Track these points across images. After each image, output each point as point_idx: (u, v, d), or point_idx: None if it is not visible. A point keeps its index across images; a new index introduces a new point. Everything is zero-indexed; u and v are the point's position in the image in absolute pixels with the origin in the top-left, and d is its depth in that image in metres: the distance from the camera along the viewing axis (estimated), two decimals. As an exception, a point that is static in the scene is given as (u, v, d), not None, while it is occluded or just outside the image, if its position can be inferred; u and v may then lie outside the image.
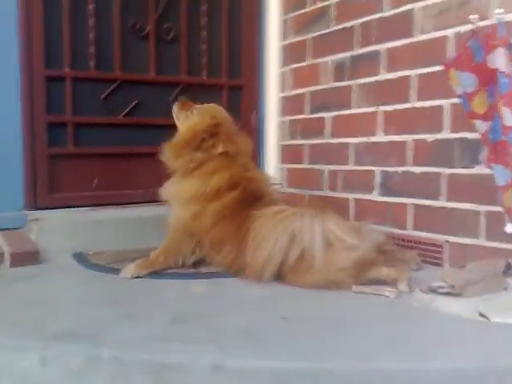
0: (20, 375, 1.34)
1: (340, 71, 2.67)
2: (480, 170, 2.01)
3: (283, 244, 1.82)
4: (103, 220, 2.57)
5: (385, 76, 2.42)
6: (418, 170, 2.26)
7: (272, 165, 3.10)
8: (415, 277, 1.87)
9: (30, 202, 2.53)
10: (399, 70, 2.35)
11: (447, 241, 2.13)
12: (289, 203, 2.02)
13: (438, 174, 2.17)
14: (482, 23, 1.80)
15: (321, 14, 2.77)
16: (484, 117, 1.75)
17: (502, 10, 1.70)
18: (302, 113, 2.93)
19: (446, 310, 1.58)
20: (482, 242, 2.01)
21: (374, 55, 2.46)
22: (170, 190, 2.20)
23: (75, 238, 2.46)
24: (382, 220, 2.38)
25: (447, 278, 1.65)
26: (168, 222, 2.18)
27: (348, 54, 2.61)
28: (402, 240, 2.29)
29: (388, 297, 1.74)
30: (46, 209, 2.54)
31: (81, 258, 2.33)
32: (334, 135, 2.72)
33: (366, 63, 2.51)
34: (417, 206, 2.27)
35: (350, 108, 2.60)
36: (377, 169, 2.45)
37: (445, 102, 2.14)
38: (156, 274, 2.07)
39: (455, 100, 1.99)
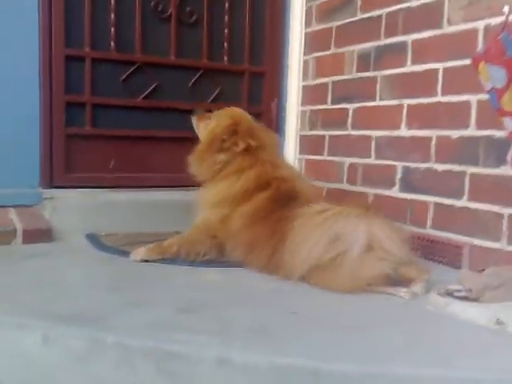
0: (21, 354, 1.34)
1: (364, 61, 2.60)
2: (505, 170, 1.94)
3: (323, 244, 1.73)
4: (118, 202, 2.58)
5: (410, 68, 2.35)
6: (441, 167, 2.20)
7: (291, 155, 3.05)
8: (432, 279, 1.80)
9: (45, 180, 2.54)
10: (426, 63, 2.27)
11: (467, 243, 2.07)
12: (329, 201, 1.94)
13: (462, 172, 2.10)
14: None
15: (346, 3, 2.70)
16: (513, 114, 1.68)
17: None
18: (323, 103, 2.87)
19: (462, 315, 1.52)
20: (503, 245, 1.93)
21: (400, 46, 2.39)
22: (199, 197, 2.18)
23: (89, 219, 2.48)
24: (402, 217, 2.32)
25: (465, 281, 1.59)
26: (194, 219, 2.15)
27: (373, 44, 2.54)
28: (421, 239, 2.23)
29: (403, 297, 1.69)
30: (62, 188, 2.55)
31: (93, 238, 2.33)
32: (355, 127, 2.66)
33: (392, 54, 2.44)
34: (438, 205, 2.20)
35: (373, 100, 2.54)
36: (398, 164, 2.39)
37: (472, 98, 2.07)
38: (168, 259, 2.04)
39: (483, 96, 1.92)
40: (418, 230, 2.26)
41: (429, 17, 2.26)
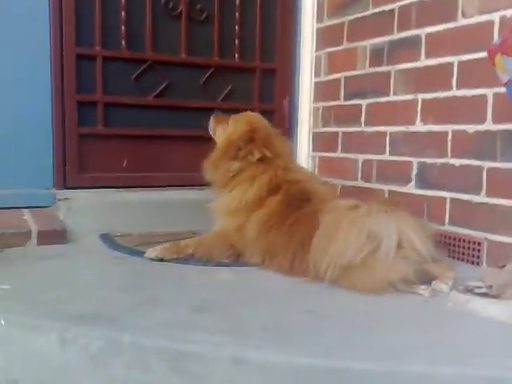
0: (37, 354, 1.34)
1: (377, 56, 2.57)
2: (524, 164, 1.90)
3: (360, 242, 1.68)
4: (132, 202, 2.57)
5: (425, 62, 2.32)
6: (458, 162, 2.16)
7: (304, 153, 3.03)
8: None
9: (59, 180, 2.54)
10: (440, 56, 2.24)
11: (486, 238, 2.03)
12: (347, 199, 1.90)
13: (479, 167, 2.07)
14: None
15: (358, -3, 2.67)
16: (532, 107, 1.65)
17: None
18: (336, 99, 2.84)
19: (483, 312, 1.49)
20: (523, 241, 1.90)
21: (414, 40, 2.36)
22: (215, 204, 2.16)
23: (103, 219, 2.48)
24: (419, 214, 2.28)
25: (485, 277, 1.56)
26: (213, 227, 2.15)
27: (386, 38, 2.51)
28: (439, 236, 2.19)
29: (422, 295, 1.66)
30: (75, 188, 2.56)
31: (108, 239, 2.33)
32: (369, 123, 2.63)
33: (405, 48, 2.41)
34: (455, 201, 2.17)
35: (387, 95, 2.51)
36: (414, 160, 2.36)
37: (488, 91, 2.03)
38: (182, 258, 2.03)
39: (500, 89, 1.88)
40: (436, 226, 2.22)
41: (442, 9, 2.22)
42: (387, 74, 2.51)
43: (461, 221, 2.15)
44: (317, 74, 3.00)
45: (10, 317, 1.40)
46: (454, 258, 2.13)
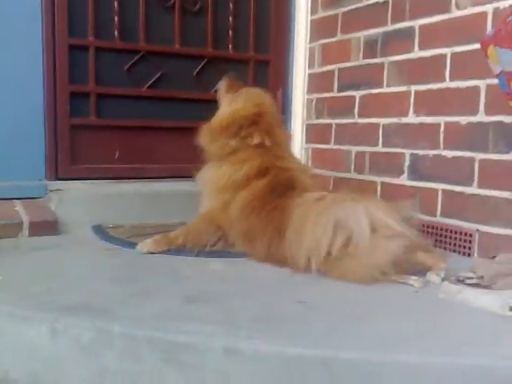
0: (28, 345, 1.33)
1: (371, 48, 2.56)
2: (516, 156, 1.91)
3: (329, 234, 1.69)
4: (124, 193, 2.56)
5: (418, 54, 2.32)
6: (450, 154, 2.17)
7: (297, 144, 3.02)
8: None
9: (51, 172, 2.53)
10: (434, 48, 2.24)
11: (478, 229, 2.04)
12: (327, 190, 1.91)
13: (471, 158, 2.07)
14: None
15: (352, -12, 2.66)
16: (524, 98, 1.65)
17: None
18: (329, 91, 2.84)
19: (474, 303, 1.50)
20: (514, 232, 1.91)
21: (408, 32, 2.35)
22: (204, 177, 2.14)
23: (95, 211, 2.46)
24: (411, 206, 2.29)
25: (477, 268, 1.57)
26: (199, 206, 2.13)
27: (380, 30, 2.51)
28: (431, 227, 2.21)
29: (413, 285, 1.66)
30: (67, 179, 2.54)
31: (100, 230, 2.32)
32: (362, 115, 2.63)
33: (399, 40, 2.41)
34: (447, 192, 2.17)
35: (380, 87, 2.51)
36: (407, 151, 2.36)
37: (481, 83, 2.03)
38: (174, 250, 2.03)
39: (492, 81, 1.89)
40: (428, 217, 2.23)
41: (436, 1, 2.22)
42: (381, 66, 2.50)
43: (452, 212, 2.15)
44: (311, 66, 2.99)
45: (0, 308, 1.39)
46: (445, 249, 2.14)
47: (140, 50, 2.68)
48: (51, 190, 2.44)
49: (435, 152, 2.23)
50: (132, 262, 1.91)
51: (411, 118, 2.34)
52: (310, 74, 3.00)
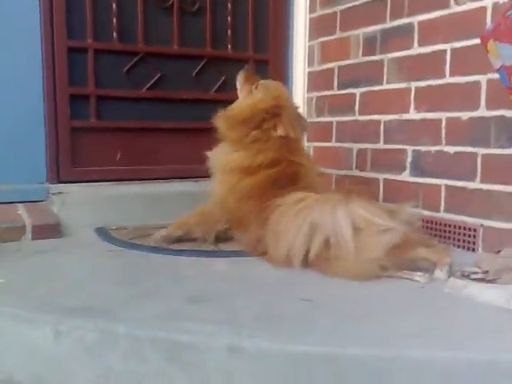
0: (32, 347, 1.33)
1: (370, 45, 2.56)
2: (518, 150, 1.90)
3: (303, 236, 1.71)
4: (126, 195, 2.56)
5: (418, 50, 2.31)
6: (452, 149, 2.16)
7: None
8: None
9: (52, 174, 2.53)
10: (433, 44, 2.23)
11: (482, 225, 2.03)
12: (338, 189, 1.91)
13: (473, 154, 2.07)
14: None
15: (350, -14, 2.66)
16: (525, 93, 1.64)
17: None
18: (329, 89, 2.83)
19: (479, 297, 1.49)
20: (518, 226, 1.90)
21: (407, 28, 2.35)
22: (217, 157, 2.15)
23: (97, 213, 2.46)
24: (413, 202, 2.28)
25: (481, 263, 1.56)
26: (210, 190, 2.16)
27: (379, 26, 2.50)
28: (434, 223, 2.20)
29: (418, 281, 1.66)
30: (69, 182, 2.54)
31: (102, 232, 2.31)
32: (363, 112, 2.62)
33: (398, 37, 2.40)
34: (450, 188, 2.17)
35: (380, 84, 2.50)
36: (408, 148, 2.36)
37: (482, 78, 2.03)
38: (175, 250, 2.04)
39: (493, 76, 1.88)
40: (431, 213, 2.23)
41: (435, -3, 2.21)
42: (380, 63, 2.50)
43: (456, 208, 2.15)
44: (310, 64, 2.99)
45: (4, 310, 1.39)
46: (449, 244, 2.13)
47: (139, 52, 2.68)
48: (53, 193, 2.44)
49: (437, 148, 2.22)
50: (135, 264, 1.91)
51: (412, 115, 2.33)
52: (309, 73, 3.00)
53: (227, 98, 2.33)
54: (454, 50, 2.15)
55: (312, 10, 2.95)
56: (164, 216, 2.48)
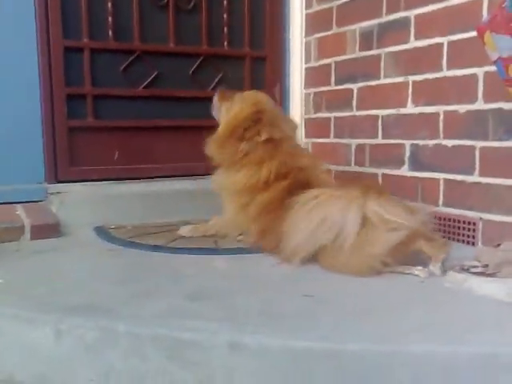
0: (33, 347, 1.33)
1: (367, 40, 2.55)
2: (516, 143, 1.90)
3: (313, 230, 1.72)
4: (124, 194, 2.56)
5: (414, 44, 2.30)
6: (450, 143, 2.16)
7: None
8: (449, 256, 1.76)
9: (50, 174, 2.52)
10: (430, 38, 2.23)
11: (481, 218, 2.03)
12: (342, 184, 1.92)
13: (471, 147, 2.06)
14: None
15: (346, -20, 2.65)
16: (522, 84, 1.64)
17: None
18: (327, 84, 2.83)
19: (479, 291, 1.49)
20: (518, 219, 1.90)
21: (403, 22, 2.34)
22: (219, 181, 2.17)
23: (96, 212, 2.47)
24: (412, 196, 2.29)
25: (481, 257, 1.56)
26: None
27: (375, 21, 2.49)
28: (434, 217, 2.19)
29: (418, 276, 1.66)
30: (67, 182, 2.54)
31: (102, 231, 2.31)
32: (361, 107, 2.62)
33: (395, 31, 2.39)
34: (449, 182, 2.17)
35: (377, 78, 2.49)
36: (406, 142, 2.35)
37: (479, 71, 2.02)
38: (176, 248, 2.04)
39: (490, 68, 1.87)
40: (430, 208, 2.22)
41: (431, -10, 2.21)
42: (377, 57, 2.49)
43: (455, 201, 2.14)
44: (307, 60, 2.98)
45: (4, 310, 1.39)
46: (449, 238, 2.13)
47: (135, 50, 2.67)
48: (51, 193, 2.44)
49: (435, 142, 2.22)
50: (135, 262, 1.91)
51: (410, 109, 2.33)
52: (306, 69, 2.99)
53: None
54: (450, 43, 2.14)
55: (308, 5, 2.94)
56: (163, 214, 2.49)
